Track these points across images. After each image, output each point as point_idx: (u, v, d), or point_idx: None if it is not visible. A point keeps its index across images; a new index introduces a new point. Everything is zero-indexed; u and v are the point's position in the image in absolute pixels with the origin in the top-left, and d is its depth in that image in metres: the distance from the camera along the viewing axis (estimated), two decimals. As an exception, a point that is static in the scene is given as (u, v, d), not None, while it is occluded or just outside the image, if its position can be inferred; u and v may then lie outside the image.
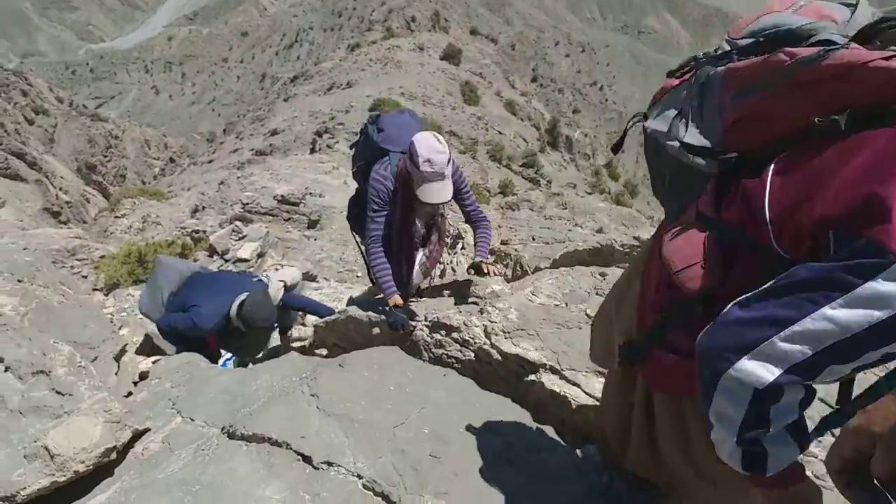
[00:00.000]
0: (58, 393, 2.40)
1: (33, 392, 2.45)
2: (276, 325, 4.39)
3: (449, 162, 3.23)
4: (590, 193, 32.97)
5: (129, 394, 3.18)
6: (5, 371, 2.66)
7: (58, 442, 2.10)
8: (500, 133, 35.85)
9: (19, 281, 3.46)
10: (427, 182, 3.15)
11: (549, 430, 2.31)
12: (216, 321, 3.81)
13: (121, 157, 54.80)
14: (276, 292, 4.21)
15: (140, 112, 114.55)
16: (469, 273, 3.52)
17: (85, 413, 2.24)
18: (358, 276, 11.77)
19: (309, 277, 10.25)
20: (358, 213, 3.81)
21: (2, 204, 39.35)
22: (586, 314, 2.92)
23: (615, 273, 3.46)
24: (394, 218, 3.47)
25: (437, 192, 3.18)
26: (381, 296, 3.32)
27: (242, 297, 3.85)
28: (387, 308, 3.15)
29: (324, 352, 3.92)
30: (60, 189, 44.45)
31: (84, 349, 3.10)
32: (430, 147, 3.17)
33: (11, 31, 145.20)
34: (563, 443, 2.23)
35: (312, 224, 17.90)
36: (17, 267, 3.60)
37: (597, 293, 3.12)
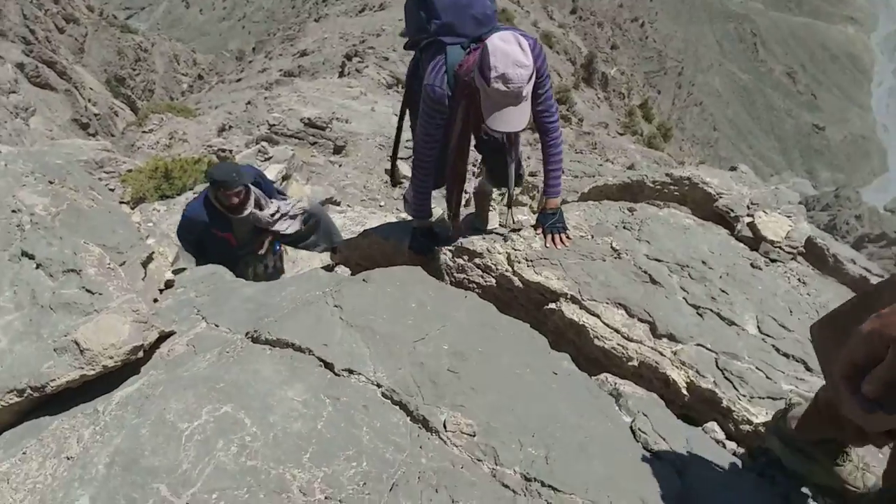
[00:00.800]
0: (88, 291, 2.46)
1: (64, 289, 2.51)
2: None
3: (531, 79, 2.41)
4: (622, 134, 32.25)
5: (155, 300, 3.25)
6: (36, 268, 2.73)
7: (87, 337, 2.17)
8: (536, 64, 34.83)
9: (51, 182, 3.50)
10: (497, 106, 2.42)
11: (566, 357, 2.33)
12: (203, 204, 3.95)
13: (149, 71, 54.49)
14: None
15: (170, 25, 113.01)
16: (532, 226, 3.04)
17: (114, 312, 2.30)
18: (381, 205, 11.78)
19: (333, 202, 10.29)
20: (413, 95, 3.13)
21: (32, 112, 39.62)
22: (612, 247, 2.90)
23: (644, 209, 3.41)
24: (451, 136, 2.84)
25: (509, 119, 2.44)
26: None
27: None
28: (414, 229, 3.12)
29: (347, 272, 3.97)
30: (89, 100, 44.56)
31: (113, 253, 3.15)
32: (507, 57, 2.33)
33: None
34: (578, 370, 2.26)
35: (338, 150, 17.82)
36: (48, 169, 3.63)
37: (624, 227, 3.08)
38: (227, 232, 4.07)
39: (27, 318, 2.45)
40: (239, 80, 35.80)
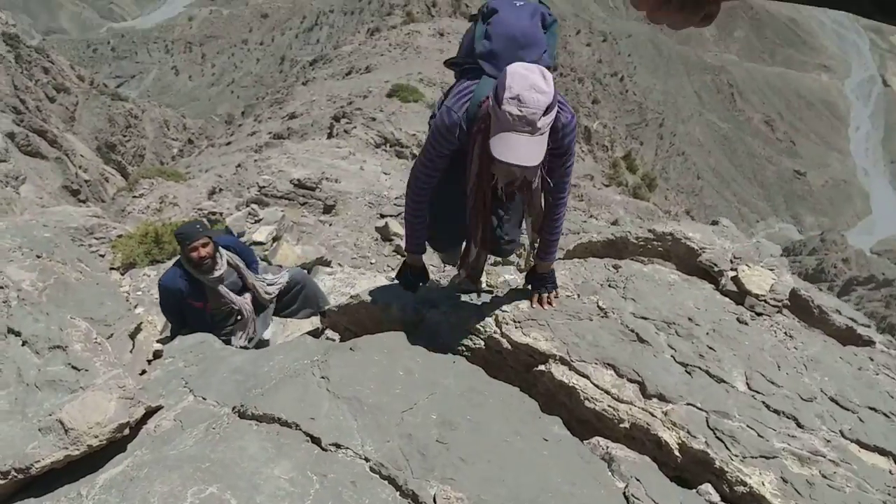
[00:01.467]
0: (74, 368, 2.44)
1: (49, 367, 2.49)
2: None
3: (549, 111, 2.18)
4: (607, 185, 32.74)
5: (143, 371, 3.22)
6: (23, 345, 2.71)
7: (72, 416, 2.14)
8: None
9: (38, 256, 3.51)
10: (504, 130, 2.17)
11: (557, 422, 2.32)
12: (177, 273, 3.97)
13: (140, 136, 55.16)
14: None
15: (160, 92, 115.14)
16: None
17: (100, 388, 2.28)
18: (372, 263, 11.81)
19: (323, 262, 10.31)
20: None
21: (23, 181, 39.87)
22: (598, 306, 2.92)
23: (629, 266, 3.45)
24: (468, 176, 2.59)
25: (517, 148, 2.15)
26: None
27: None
28: (404, 263, 3.04)
29: (337, 336, 3.96)
30: (80, 167, 44.93)
31: (100, 326, 3.14)
32: (525, 79, 2.15)
33: (34, 7, 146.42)
34: (570, 434, 2.24)
35: (328, 209, 17.95)
36: (36, 243, 3.65)
37: (609, 285, 3.11)
38: (200, 301, 4.04)
39: (13, 397, 2.41)
40: (229, 143, 36.28)
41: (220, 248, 3.97)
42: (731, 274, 3.45)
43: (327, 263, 10.37)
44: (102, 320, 3.23)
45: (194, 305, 3.98)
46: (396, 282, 3.12)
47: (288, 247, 11.61)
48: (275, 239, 12.04)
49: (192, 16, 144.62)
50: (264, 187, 18.25)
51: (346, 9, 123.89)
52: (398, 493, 1.70)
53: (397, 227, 12.86)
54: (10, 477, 2.12)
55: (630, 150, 49.47)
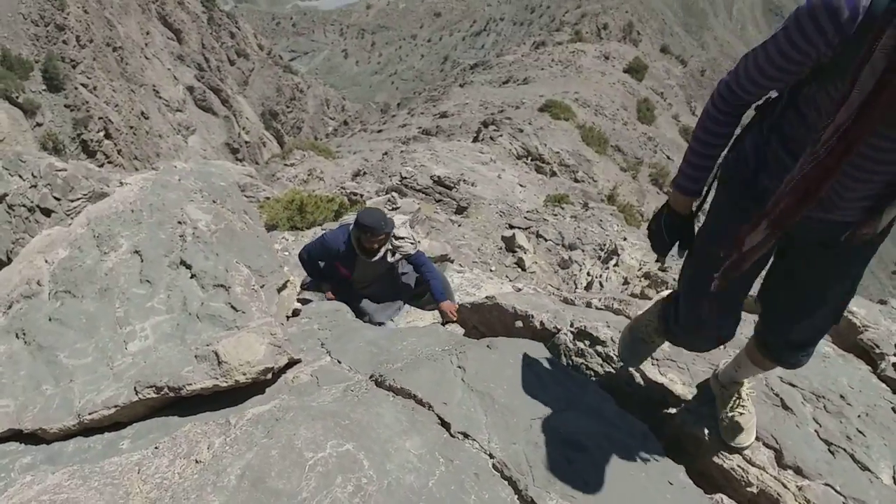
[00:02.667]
0: (233, 308, 2.66)
1: (212, 302, 2.73)
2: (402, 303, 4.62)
3: None
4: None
5: (282, 325, 3.44)
6: (191, 278, 2.98)
7: (227, 350, 2.33)
8: (669, 158, 34.43)
9: (214, 202, 3.84)
10: None
11: (681, 469, 2.22)
12: (342, 238, 4.16)
13: (301, 110, 58.94)
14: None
15: (327, 71, 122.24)
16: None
17: (253, 331, 2.47)
18: (492, 270, 11.88)
19: (447, 259, 10.52)
20: None
21: (192, 132, 43.90)
22: (743, 360, 2.76)
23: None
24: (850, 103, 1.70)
25: None
26: None
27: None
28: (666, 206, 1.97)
29: (461, 331, 4.02)
30: (243, 129, 48.86)
31: (256, 275, 3.39)
32: None
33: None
34: (694, 485, 2.14)
35: (460, 210, 18.29)
36: (213, 189, 4.00)
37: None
38: (348, 270, 4.29)
39: (175, 322, 2.67)
40: (380, 130, 37.87)
41: (391, 240, 4.18)
42: (894, 360, 3.15)
43: (450, 261, 10.55)
44: (258, 271, 3.47)
45: (341, 271, 4.20)
46: (659, 233, 2.03)
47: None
48: (407, 228, 12.42)
49: (371, 4, 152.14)
50: (406, 178, 18.89)
51: (516, 19, 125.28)
52: (517, 496, 1.70)
53: (523, 239, 12.83)
54: (161, 393, 2.34)
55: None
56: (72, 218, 11.51)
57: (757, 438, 2.45)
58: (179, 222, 3.38)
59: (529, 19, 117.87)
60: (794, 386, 2.70)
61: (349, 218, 5.70)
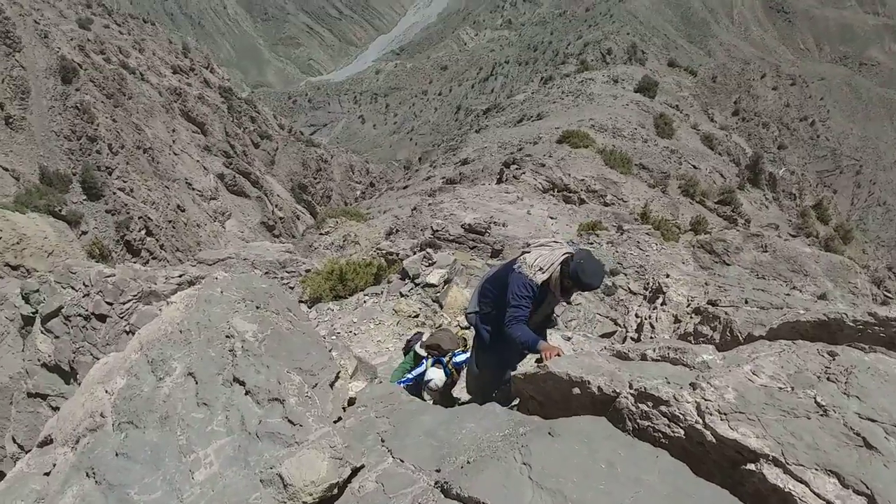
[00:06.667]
0: (290, 422, 2.67)
1: (269, 418, 2.75)
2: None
3: None
4: (794, 236, 30.06)
5: (339, 419, 3.45)
6: (245, 394, 3.02)
7: (291, 472, 2.33)
8: (695, 168, 34.08)
9: (257, 308, 3.90)
10: None
11: (771, 532, 2.11)
12: (526, 282, 3.96)
13: (328, 179, 60.30)
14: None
15: (347, 139, 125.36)
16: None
17: (313, 446, 2.47)
18: (539, 310, 11.74)
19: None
20: None
21: (228, 216, 45.23)
22: (816, 402, 2.64)
23: (847, 354, 3.09)
24: None
25: None
26: None
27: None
28: None
29: (516, 400, 3.96)
30: (276, 206, 50.16)
31: (307, 376, 3.41)
32: None
33: (246, 64, 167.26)
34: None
35: (495, 253, 18.28)
36: (255, 294, 4.07)
37: (828, 378, 2.81)
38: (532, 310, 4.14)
39: (236, 444, 2.69)
40: (405, 187, 38.42)
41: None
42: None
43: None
44: (309, 370, 3.50)
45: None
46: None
47: (458, 290, 11.95)
48: (446, 282, 12.45)
49: (379, 69, 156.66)
50: (437, 231, 19.03)
51: (521, 59, 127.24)
52: None
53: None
54: (234, 523, 2.35)
55: (822, 198, 45.18)
56: (125, 320, 11.87)
57: (846, 486, 2.33)
58: (227, 336, 3.44)
59: (534, 57, 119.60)
60: (873, 421, 2.57)
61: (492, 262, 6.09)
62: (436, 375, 4.86)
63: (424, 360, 5.10)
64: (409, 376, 5.11)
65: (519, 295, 3.94)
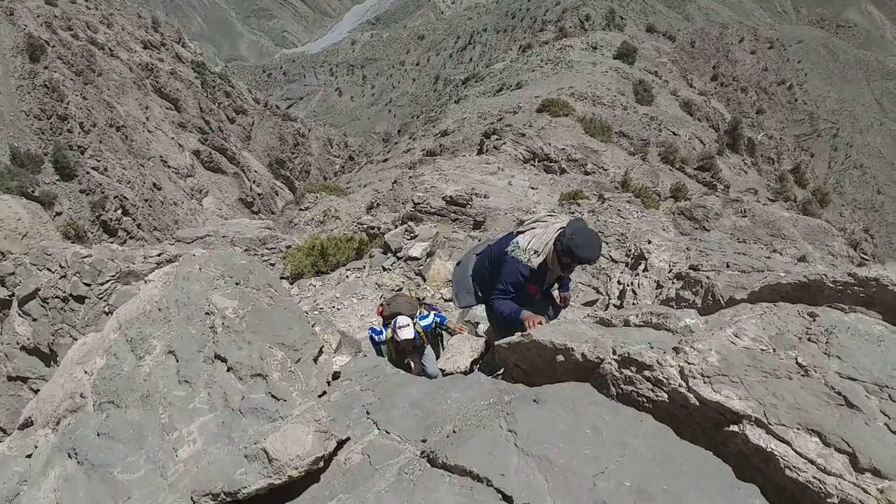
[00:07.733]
0: (273, 397, 2.64)
1: (252, 394, 2.72)
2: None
3: None
4: (773, 200, 30.37)
5: (324, 393, 3.43)
6: (227, 371, 2.98)
7: (276, 447, 2.31)
8: (675, 134, 34.16)
9: (237, 284, 3.84)
10: None
11: (754, 491, 2.14)
12: (521, 264, 3.88)
13: (306, 153, 59.61)
14: None
15: (324, 112, 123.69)
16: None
17: (298, 420, 2.45)
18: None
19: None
20: None
21: (205, 194, 44.62)
22: (797, 363, 2.67)
23: (827, 314, 3.12)
24: None
25: None
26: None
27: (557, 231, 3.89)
28: None
29: (501, 369, 3.96)
30: (254, 182, 49.56)
31: (290, 351, 3.38)
32: None
33: (218, 38, 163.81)
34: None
35: (477, 225, 18.25)
36: (235, 270, 4.00)
37: (809, 338, 2.83)
38: (538, 286, 4.08)
39: (220, 421, 2.66)
40: (385, 160, 38.10)
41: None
42: (954, 327, 3.02)
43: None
44: (292, 345, 3.47)
45: (531, 289, 4.07)
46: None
47: (440, 262, 11.94)
48: (428, 255, 12.43)
49: (355, 40, 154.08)
50: (418, 204, 18.92)
51: (498, 27, 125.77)
52: (594, 563, 1.65)
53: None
54: (219, 499, 2.33)
55: (799, 162, 45.62)
56: (104, 301, 11.74)
57: (827, 444, 2.36)
58: (207, 313, 3.39)
59: (512, 25, 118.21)
60: (854, 380, 2.60)
61: (484, 238, 6.14)
62: (405, 323, 4.89)
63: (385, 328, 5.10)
64: (378, 328, 5.11)
65: (508, 282, 3.92)
